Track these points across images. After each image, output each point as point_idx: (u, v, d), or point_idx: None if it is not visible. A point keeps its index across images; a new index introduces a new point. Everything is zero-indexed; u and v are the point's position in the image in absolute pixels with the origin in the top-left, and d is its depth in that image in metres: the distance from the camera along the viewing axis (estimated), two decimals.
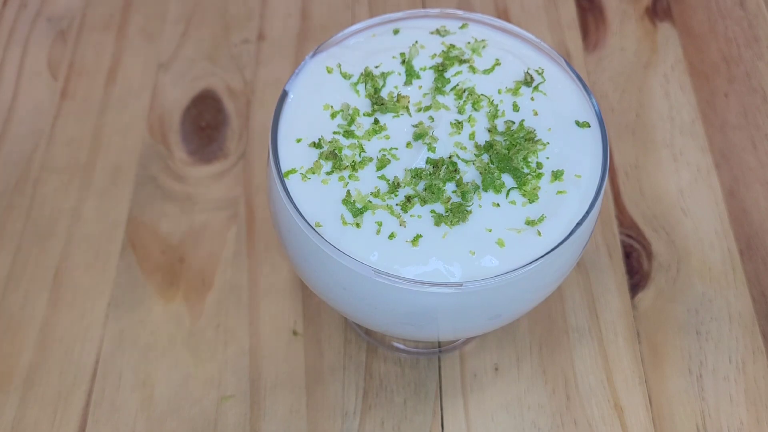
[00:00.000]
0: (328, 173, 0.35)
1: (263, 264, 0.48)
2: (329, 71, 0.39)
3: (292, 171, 0.35)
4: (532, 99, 0.38)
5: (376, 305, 0.35)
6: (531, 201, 0.35)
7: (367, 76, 0.38)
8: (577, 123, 0.37)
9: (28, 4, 0.60)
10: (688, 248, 0.48)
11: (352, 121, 0.37)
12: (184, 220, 0.49)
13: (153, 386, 0.43)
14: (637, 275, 0.47)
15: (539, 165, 0.36)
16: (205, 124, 0.54)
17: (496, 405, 0.43)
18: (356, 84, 0.38)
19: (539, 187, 0.35)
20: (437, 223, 0.34)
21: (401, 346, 0.45)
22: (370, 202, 0.35)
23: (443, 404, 0.43)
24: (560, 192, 0.35)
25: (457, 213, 0.34)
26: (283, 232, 0.37)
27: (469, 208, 0.34)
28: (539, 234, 0.34)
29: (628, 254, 0.48)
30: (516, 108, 0.38)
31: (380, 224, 0.34)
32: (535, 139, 0.36)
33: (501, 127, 0.37)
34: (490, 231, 0.34)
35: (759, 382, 0.43)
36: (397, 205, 0.35)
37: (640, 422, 0.42)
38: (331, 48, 0.39)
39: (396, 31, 0.40)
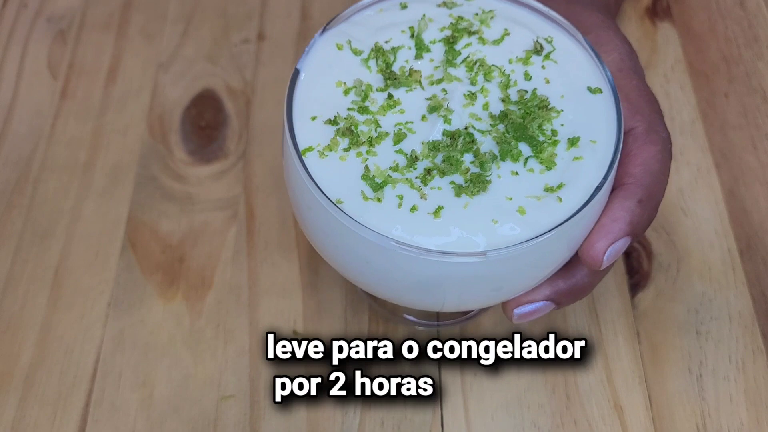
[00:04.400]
0: (346, 150, 0.36)
1: (263, 264, 0.48)
2: (339, 48, 0.39)
3: (309, 149, 0.36)
4: (543, 67, 0.38)
5: (398, 278, 0.35)
6: (549, 168, 0.35)
7: (377, 51, 0.38)
8: (590, 89, 0.38)
9: (28, 4, 0.60)
10: (688, 248, 0.48)
11: (365, 97, 0.37)
12: (184, 220, 0.49)
13: (153, 386, 0.43)
14: (637, 275, 0.47)
15: (554, 132, 0.36)
16: (205, 124, 0.54)
17: (496, 404, 0.43)
18: (367, 60, 0.38)
19: (556, 154, 0.36)
20: (458, 194, 0.34)
21: (412, 318, 0.46)
22: (390, 176, 0.35)
23: (443, 403, 0.43)
24: (577, 158, 0.35)
25: (477, 183, 0.34)
26: (302, 211, 0.37)
27: (488, 178, 0.35)
28: (560, 200, 0.34)
29: (628, 254, 0.48)
30: (528, 77, 0.38)
31: (401, 198, 0.34)
32: (549, 106, 0.37)
33: (514, 97, 0.37)
34: (511, 199, 0.34)
35: (759, 381, 0.43)
36: (416, 178, 0.35)
37: (640, 422, 0.42)
38: (340, 25, 0.39)
39: (403, 6, 0.40)
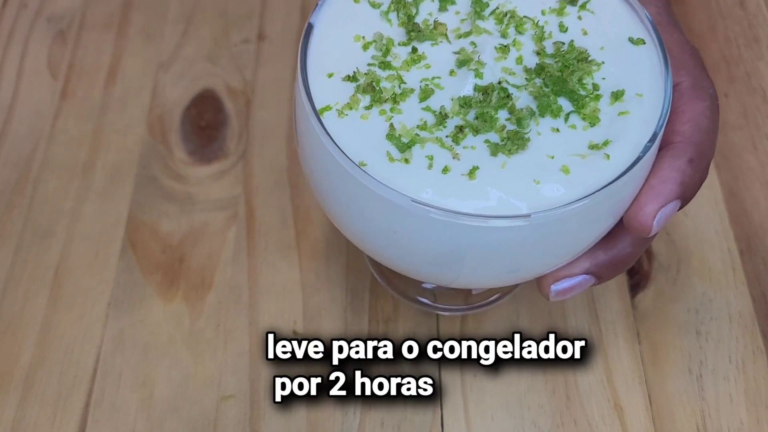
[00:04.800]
0: (367, 108, 0.33)
1: (263, 264, 0.48)
2: (356, 1, 0.36)
3: (327, 108, 0.33)
4: (579, 18, 0.36)
5: (427, 248, 0.33)
6: (592, 124, 0.33)
7: (398, 3, 0.36)
8: (631, 40, 0.35)
9: (28, 4, 0.60)
10: (688, 248, 0.48)
11: (387, 52, 0.35)
12: (184, 220, 0.49)
13: (153, 386, 0.43)
14: (637, 275, 0.47)
15: (596, 86, 0.34)
16: (205, 124, 0.54)
17: (496, 405, 0.43)
18: (387, 13, 0.36)
19: (599, 109, 0.33)
20: (494, 153, 0.32)
21: (426, 301, 0.45)
22: (418, 135, 0.32)
23: (443, 403, 0.43)
24: (622, 113, 0.33)
25: (515, 141, 0.32)
26: (318, 178, 0.34)
27: (527, 135, 0.32)
28: (607, 157, 0.32)
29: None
30: (563, 28, 0.36)
31: (431, 158, 0.31)
32: (589, 59, 0.34)
33: (550, 49, 0.35)
34: (553, 158, 0.32)
35: (759, 382, 0.43)
36: (447, 137, 0.32)
37: (640, 422, 0.42)
38: None
39: None
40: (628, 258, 0.36)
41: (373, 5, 0.36)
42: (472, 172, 0.31)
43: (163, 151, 0.52)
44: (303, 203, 0.50)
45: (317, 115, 0.32)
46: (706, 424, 0.42)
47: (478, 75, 0.34)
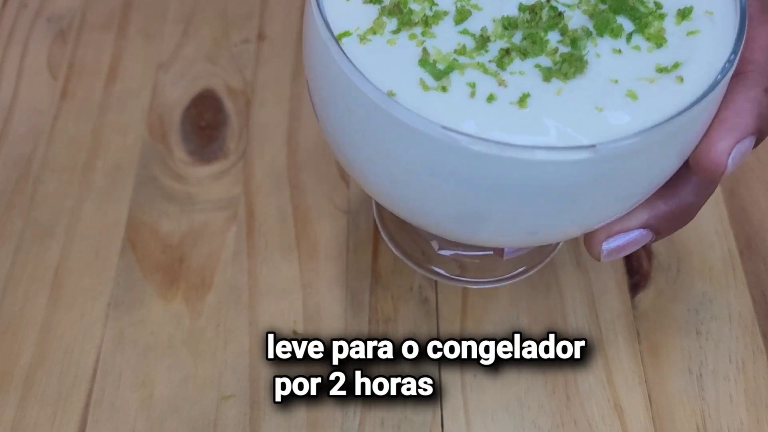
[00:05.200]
0: (394, 32, 0.29)
1: (263, 264, 0.48)
2: None
3: (346, 34, 0.29)
4: None
5: (468, 193, 0.28)
6: (658, 46, 0.29)
7: None
8: None
9: (28, 4, 0.60)
10: (688, 248, 0.48)
11: None
12: (184, 220, 0.49)
13: (153, 386, 0.43)
14: (637, 275, 0.47)
15: (658, 5, 0.30)
16: (205, 123, 0.54)
17: (496, 405, 0.43)
18: None
19: (665, 29, 0.30)
20: (546, 78, 0.28)
21: (443, 272, 0.42)
22: (456, 60, 0.28)
23: (443, 403, 0.43)
24: (692, 32, 0.30)
25: (571, 63, 0.28)
26: (337, 116, 0.30)
27: (585, 57, 0.28)
28: (680, 80, 0.28)
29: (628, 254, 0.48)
30: None
31: (473, 86, 0.28)
32: None
33: None
34: (616, 82, 0.28)
35: (759, 381, 0.43)
36: (490, 62, 0.28)
37: (639, 421, 0.42)
38: None
39: None
40: (690, 209, 0.33)
41: None
42: (522, 100, 0.27)
43: (163, 151, 0.52)
44: (303, 203, 0.50)
45: (336, 40, 0.28)
46: (706, 424, 0.42)
47: None
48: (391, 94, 0.27)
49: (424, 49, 0.28)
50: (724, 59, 0.28)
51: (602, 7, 0.30)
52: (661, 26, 0.30)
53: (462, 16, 0.29)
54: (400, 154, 0.28)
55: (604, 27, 0.29)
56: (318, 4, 0.29)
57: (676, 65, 0.29)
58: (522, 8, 0.30)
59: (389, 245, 0.46)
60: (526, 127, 0.27)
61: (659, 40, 0.29)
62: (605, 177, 0.28)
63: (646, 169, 0.29)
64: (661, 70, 0.29)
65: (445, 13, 0.30)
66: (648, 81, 0.28)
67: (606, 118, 0.27)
